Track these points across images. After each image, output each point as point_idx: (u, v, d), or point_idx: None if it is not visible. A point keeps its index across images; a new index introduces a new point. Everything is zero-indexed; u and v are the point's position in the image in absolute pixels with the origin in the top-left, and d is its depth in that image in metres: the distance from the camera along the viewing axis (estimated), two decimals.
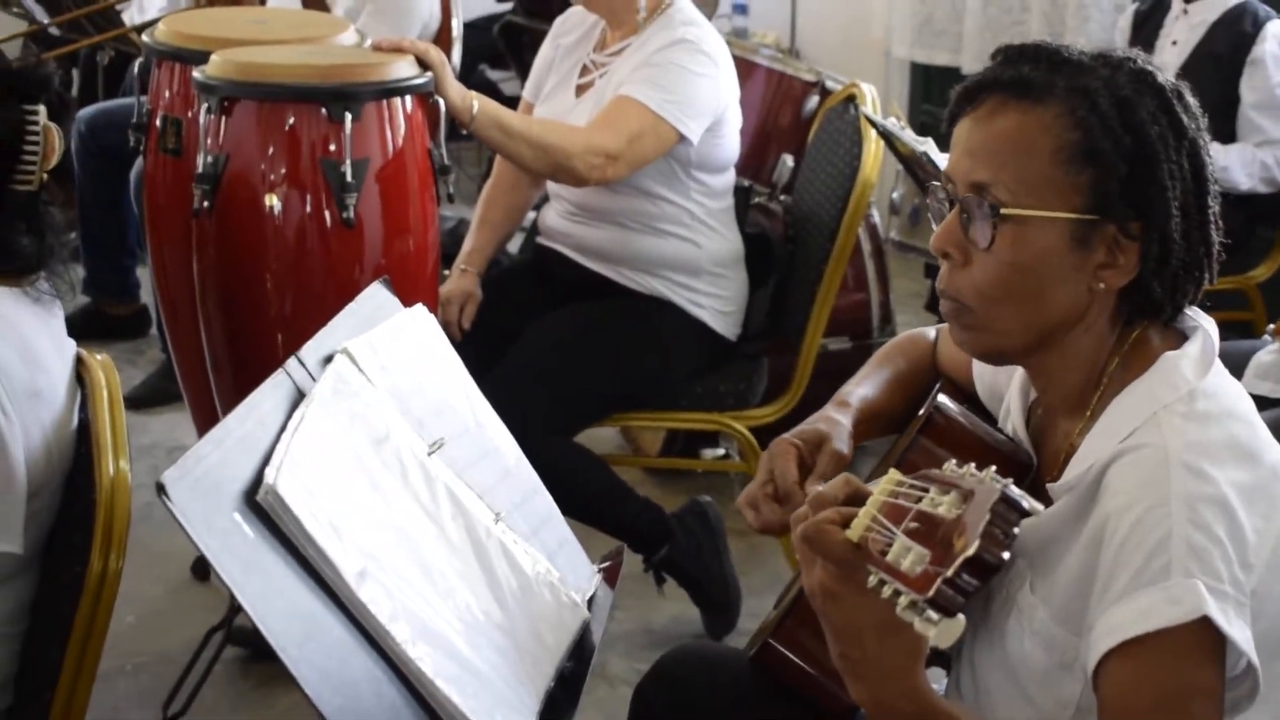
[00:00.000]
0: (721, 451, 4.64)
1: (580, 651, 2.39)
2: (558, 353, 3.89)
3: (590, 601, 2.49)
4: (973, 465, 1.76)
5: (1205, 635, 1.78)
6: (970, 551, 1.62)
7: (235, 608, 3.66)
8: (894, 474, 1.83)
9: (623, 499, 4.04)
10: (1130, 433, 1.93)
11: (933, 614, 1.63)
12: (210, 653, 3.76)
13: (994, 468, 1.75)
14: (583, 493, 3.74)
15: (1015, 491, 1.69)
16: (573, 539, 2.63)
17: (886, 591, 1.69)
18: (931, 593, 1.62)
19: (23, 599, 2.33)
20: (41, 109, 2.33)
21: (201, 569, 4.32)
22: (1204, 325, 2.04)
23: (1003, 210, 1.95)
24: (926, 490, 1.74)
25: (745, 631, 4.05)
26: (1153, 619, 1.78)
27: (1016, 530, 1.68)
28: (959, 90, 2.08)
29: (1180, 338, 2.03)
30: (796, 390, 4.12)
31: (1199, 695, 1.81)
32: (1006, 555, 1.65)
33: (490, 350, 3.76)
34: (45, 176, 2.36)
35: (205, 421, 4.15)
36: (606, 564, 2.63)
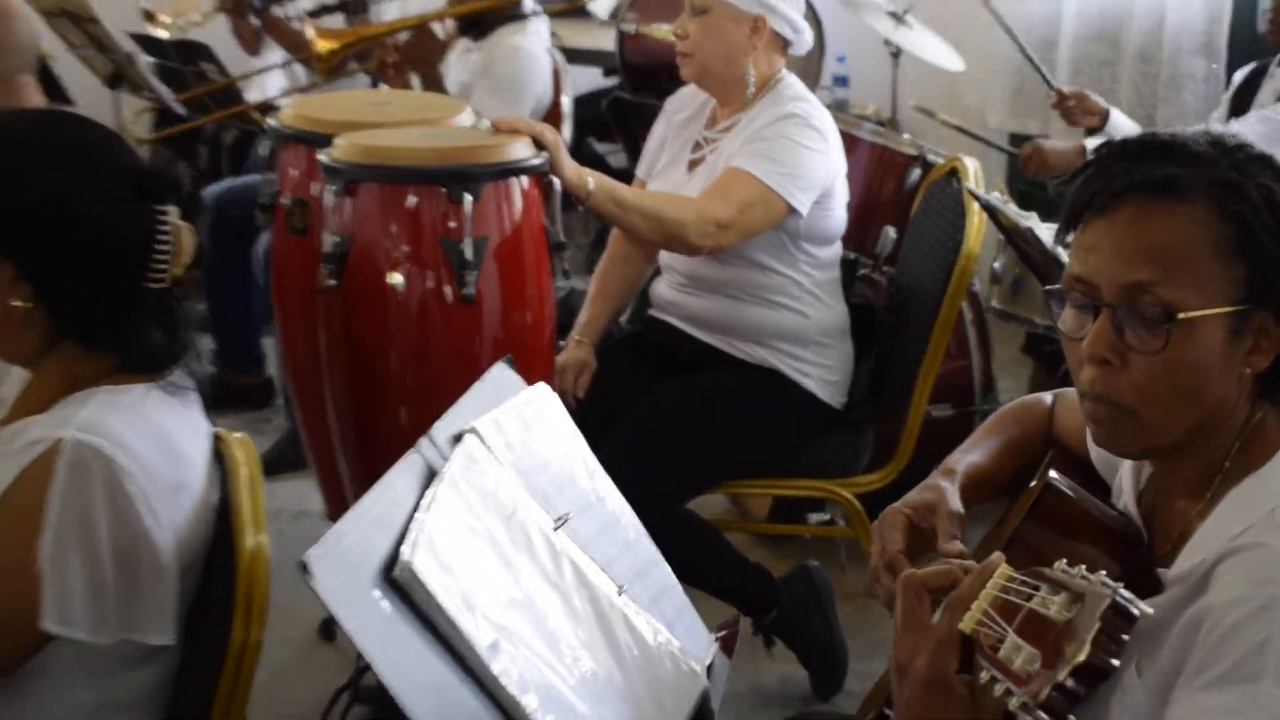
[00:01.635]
0: (827, 517, 4.63)
1: (699, 718, 2.38)
2: (671, 424, 3.90)
3: (709, 670, 2.48)
4: (1084, 567, 1.76)
5: None
6: (1081, 659, 1.64)
7: (362, 668, 3.73)
8: (1005, 568, 1.84)
9: (733, 564, 4.04)
10: (1246, 528, 1.91)
11: (1043, 715, 1.65)
12: (338, 711, 3.84)
13: (1104, 572, 1.76)
14: (696, 560, 3.72)
15: (1125, 597, 1.69)
16: (690, 608, 2.62)
17: (998, 690, 1.71)
18: (1043, 697, 1.65)
19: (168, 672, 2.34)
20: (173, 209, 2.34)
21: (328, 630, 4.38)
22: None
23: (1179, 315, 1.93)
24: (1038, 589, 1.75)
25: (851, 693, 4.06)
26: (1237, 714, 1.79)
27: (1126, 638, 1.70)
28: (1083, 192, 2.04)
29: None
30: (902, 457, 4.10)
31: None
32: (1116, 663, 1.67)
33: (604, 418, 3.76)
34: (180, 273, 2.36)
35: (330, 488, 4.20)
36: (723, 633, 2.62)
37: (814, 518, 4.71)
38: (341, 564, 1.97)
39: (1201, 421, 2.00)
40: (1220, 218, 1.93)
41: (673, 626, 2.48)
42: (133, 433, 2.25)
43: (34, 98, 3.07)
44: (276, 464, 5.15)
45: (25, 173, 2.28)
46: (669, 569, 2.64)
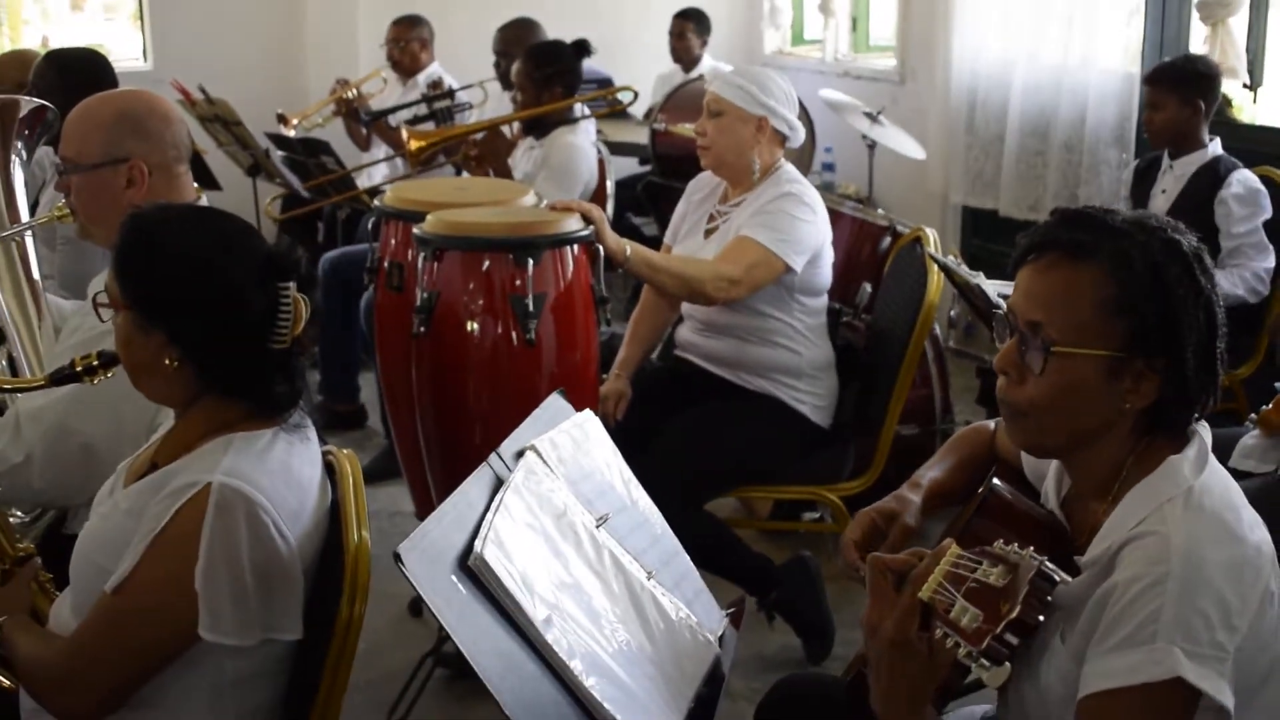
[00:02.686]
0: (818, 515, 4.60)
1: (713, 679, 2.38)
2: (691, 442, 3.89)
3: (720, 640, 2.49)
4: (1016, 545, 1.78)
5: (1177, 690, 1.81)
6: (1014, 615, 1.66)
7: (442, 638, 3.70)
8: (955, 548, 1.85)
9: (741, 554, 4.03)
10: (1141, 520, 1.94)
11: (985, 662, 1.67)
12: (424, 673, 3.82)
13: (1033, 547, 1.77)
14: (711, 550, 3.72)
15: (1049, 567, 1.73)
16: (706, 590, 2.62)
17: (950, 644, 1.71)
18: (984, 647, 1.66)
19: (291, 645, 2.31)
20: (292, 284, 2.31)
21: (415, 608, 4.37)
22: (1200, 431, 2.04)
23: (1053, 348, 1.96)
24: (981, 563, 1.76)
25: (837, 657, 4.04)
26: (1138, 675, 1.81)
27: (1050, 599, 1.71)
28: (1025, 244, 2.08)
29: (1183, 441, 2.03)
30: (877, 468, 4.09)
31: None
32: (1041, 618, 1.69)
33: (638, 437, 3.73)
34: (298, 334, 2.34)
35: (419, 493, 4.20)
36: (732, 610, 2.63)
37: (807, 516, 4.70)
38: (427, 555, 1.99)
39: (1082, 434, 2.05)
40: (1109, 281, 1.96)
41: (691, 605, 2.49)
42: (264, 472, 2.24)
43: (188, 185, 3.06)
44: (376, 474, 5.10)
45: (189, 262, 2.29)
46: (688, 558, 2.65)
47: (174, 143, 3.04)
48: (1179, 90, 4.89)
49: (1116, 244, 1.97)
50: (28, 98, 3.46)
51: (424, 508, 4.12)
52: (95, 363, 2.42)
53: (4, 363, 3.20)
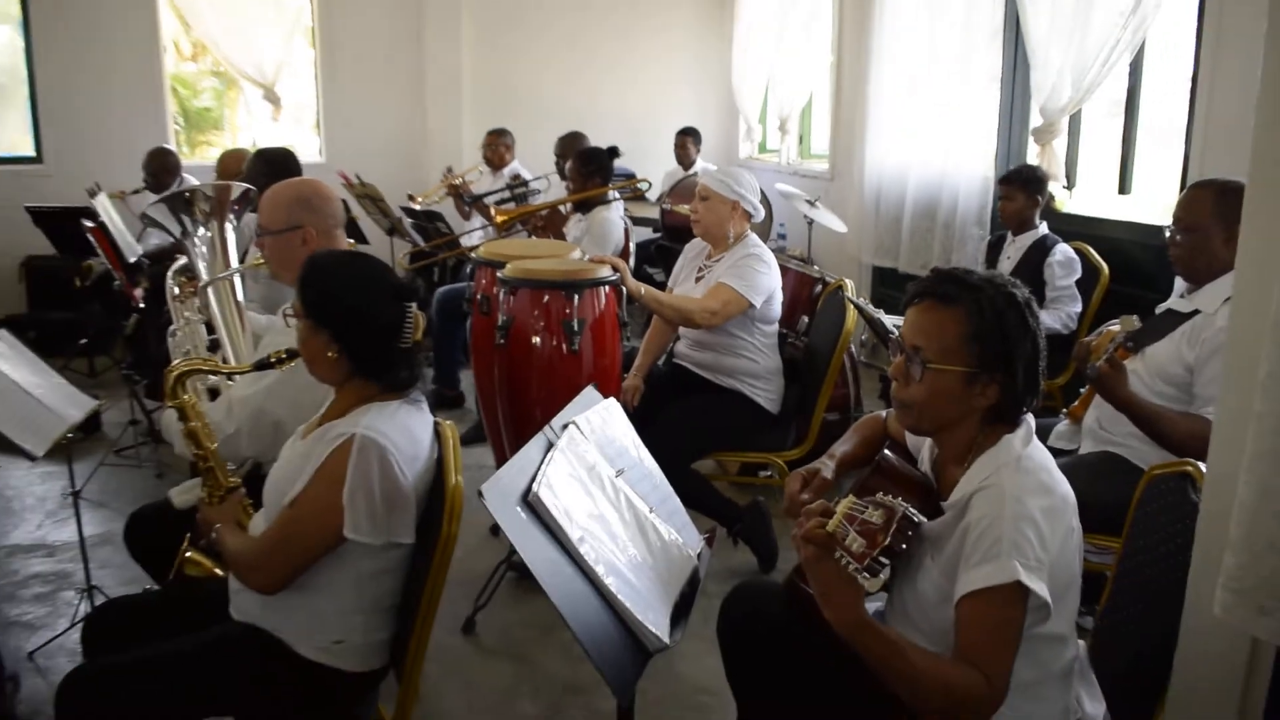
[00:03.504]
0: (769, 473, 4.59)
1: (693, 581, 2.37)
2: (684, 421, 3.87)
3: (699, 555, 2.48)
4: (893, 495, 1.79)
5: (1017, 591, 1.82)
6: (885, 544, 1.68)
7: (512, 551, 3.67)
8: (851, 498, 1.85)
9: (716, 498, 4.03)
10: (985, 478, 1.96)
11: (866, 575, 1.68)
12: (499, 575, 3.82)
13: (902, 498, 1.78)
14: (695, 494, 3.70)
15: (912, 512, 1.73)
16: (690, 522, 2.61)
17: (844, 562, 1.73)
18: (865, 564, 1.68)
19: (407, 552, 2.33)
20: (413, 304, 2.33)
21: (494, 530, 4.32)
22: (1028, 420, 2.05)
23: (928, 364, 1.98)
24: (867, 508, 1.77)
25: (780, 570, 4.02)
26: (991, 579, 1.83)
27: (911, 533, 1.72)
28: (912, 291, 2.09)
29: (1016, 425, 2.04)
30: (810, 441, 4.07)
31: (1011, 621, 1.86)
32: (904, 546, 1.71)
33: (647, 417, 3.73)
34: (418, 339, 2.35)
35: (498, 452, 4.20)
36: (707, 535, 2.60)
37: (762, 474, 4.69)
38: (500, 493, 2.00)
39: (946, 421, 2.05)
40: (966, 320, 1.97)
41: (680, 531, 2.47)
42: (391, 428, 2.24)
43: (343, 243, 3.05)
44: (470, 439, 5.11)
45: (347, 288, 2.31)
46: (679, 500, 2.63)
47: (333, 215, 3.03)
48: (1024, 188, 4.88)
49: (973, 294, 1.99)
50: (237, 183, 3.42)
51: (501, 462, 4.09)
52: (284, 355, 2.42)
53: (220, 360, 3.12)
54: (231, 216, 3.33)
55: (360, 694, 2.37)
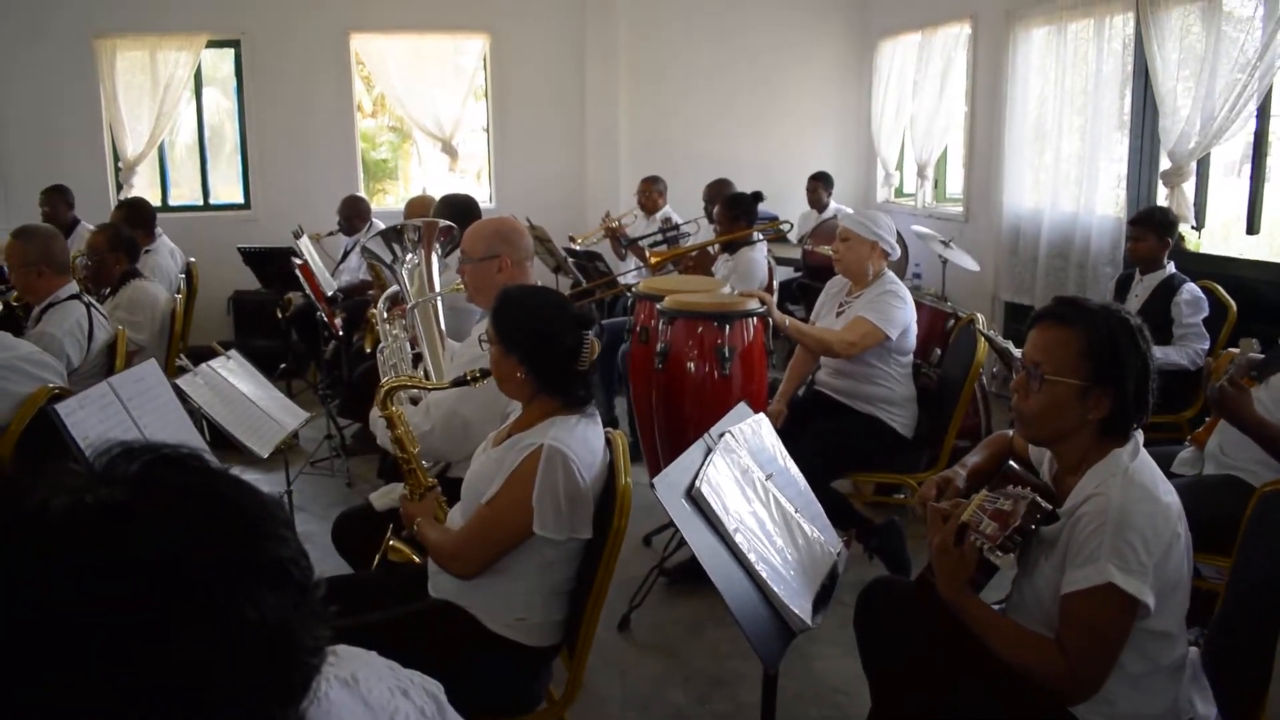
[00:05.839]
0: (903, 494, 4.64)
1: (831, 575, 2.46)
2: (824, 442, 3.91)
3: (838, 554, 2.56)
4: (1021, 487, 1.92)
5: (1111, 592, 1.92)
6: (1016, 525, 1.81)
7: (664, 557, 3.84)
8: (984, 492, 1.99)
9: (854, 515, 4.07)
10: (1096, 487, 2.04)
11: (999, 552, 1.81)
12: (652, 578, 3.98)
13: (1030, 488, 1.91)
14: (834, 512, 3.65)
15: (1039, 499, 1.85)
16: (830, 525, 2.69)
17: (979, 543, 1.87)
18: (999, 542, 1.81)
19: (581, 545, 2.45)
20: (590, 332, 2.46)
21: (647, 540, 4.44)
22: (1137, 435, 2.13)
23: (1045, 378, 2.09)
24: (999, 499, 1.90)
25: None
26: (1089, 581, 1.94)
27: (1040, 516, 1.85)
28: (1035, 315, 2.20)
29: (1126, 439, 2.11)
30: (941, 465, 4.05)
31: (1104, 619, 1.96)
32: (1034, 528, 1.82)
33: (790, 440, 3.71)
34: (591, 363, 2.47)
35: (653, 469, 4.25)
36: (846, 538, 2.65)
37: (896, 495, 4.72)
38: (669, 486, 2.14)
39: (1062, 432, 2.12)
40: (1081, 339, 2.07)
41: (821, 531, 2.56)
42: (573, 439, 2.39)
43: (531, 273, 3.22)
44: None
45: (534, 317, 2.48)
46: (820, 505, 2.70)
47: (525, 248, 3.23)
48: (1155, 230, 4.86)
49: (1088, 316, 2.10)
50: (444, 220, 3.66)
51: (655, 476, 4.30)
52: (478, 374, 2.60)
53: (421, 374, 3.35)
54: (438, 247, 3.57)
55: (536, 667, 2.55)
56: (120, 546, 0.80)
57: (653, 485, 2.06)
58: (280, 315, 6.69)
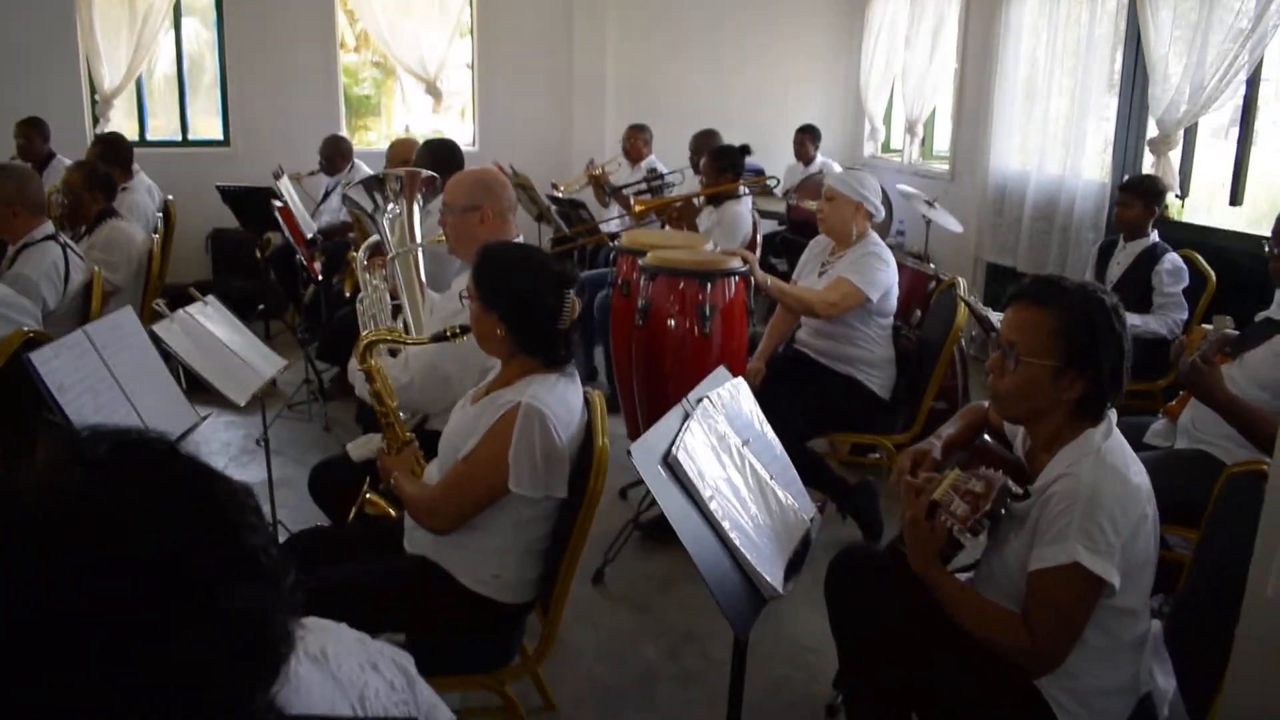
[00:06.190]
0: (878, 454, 4.65)
1: (805, 542, 2.45)
2: (803, 402, 3.94)
3: (811, 519, 2.55)
4: (994, 470, 1.93)
5: (1077, 570, 1.95)
6: (987, 509, 1.82)
7: (640, 512, 3.86)
8: (957, 471, 2.00)
9: (829, 474, 4.10)
10: (1067, 466, 2.06)
11: (969, 534, 1.83)
12: (626, 532, 4.00)
13: (1001, 471, 1.92)
14: (811, 470, 3.78)
15: (1011, 483, 1.87)
16: (805, 491, 2.68)
17: (949, 524, 1.88)
18: (969, 525, 1.82)
19: (556, 505, 2.48)
20: (571, 291, 2.47)
21: (623, 493, 4.47)
22: (1110, 415, 2.14)
23: (1021, 358, 2.09)
24: (971, 479, 1.92)
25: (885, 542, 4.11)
26: (1056, 559, 1.97)
27: (1010, 500, 1.86)
28: (1012, 293, 2.19)
29: (1099, 419, 2.13)
30: (918, 426, 4.12)
31: (1068, 597, 1.99)
32: (1004, 512, 1.84)
33: (769, 398, 3.69)
34: (571, 322, 2.48)
35: (630, 423, 4.34)
36: (820, 504, 2.66)
37: (871, 455, 4.74)
38: (646, 452, 2.13)
39: (1036, 411, 2.14)
40: (1057, 319, 2.07)
41: (796, 498, 2.56)
42: (552, 398, 2.40)
43: (514, 226, 3.14)
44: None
45: (515, 276, 2.47)
46: (795, 470, 2.70)
47: (507, 199, 3.21)
48: (1143, 198, 4.86)
49: (1064, 297, 2.10)
50: (426, 171, 3.63)
51: (633, 432, 4.26)
52: (458, 330, 2.61)
53: (401, 325, 3.38)
54: (419, 198, 3.55)
55: (511, 624, 2.57)
56: (110, 545, 0.80)
57: (629, 453, 2.05)
58: (259, 255, 6.63)
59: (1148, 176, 5.13)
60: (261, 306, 6.85)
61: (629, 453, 2.06)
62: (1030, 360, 2.10)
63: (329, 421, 5.44)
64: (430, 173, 3.62)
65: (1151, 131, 5.59)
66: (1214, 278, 4.84)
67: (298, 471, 4.78)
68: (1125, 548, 2.00)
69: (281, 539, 3.80)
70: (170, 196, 6.36)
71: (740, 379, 2.72)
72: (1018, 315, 2.15)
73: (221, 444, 5.22)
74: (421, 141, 5.16)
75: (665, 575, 3.88)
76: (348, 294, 5.09)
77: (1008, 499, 1.89)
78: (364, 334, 2.76)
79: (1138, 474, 2.08)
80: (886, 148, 9.02)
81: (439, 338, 2.66)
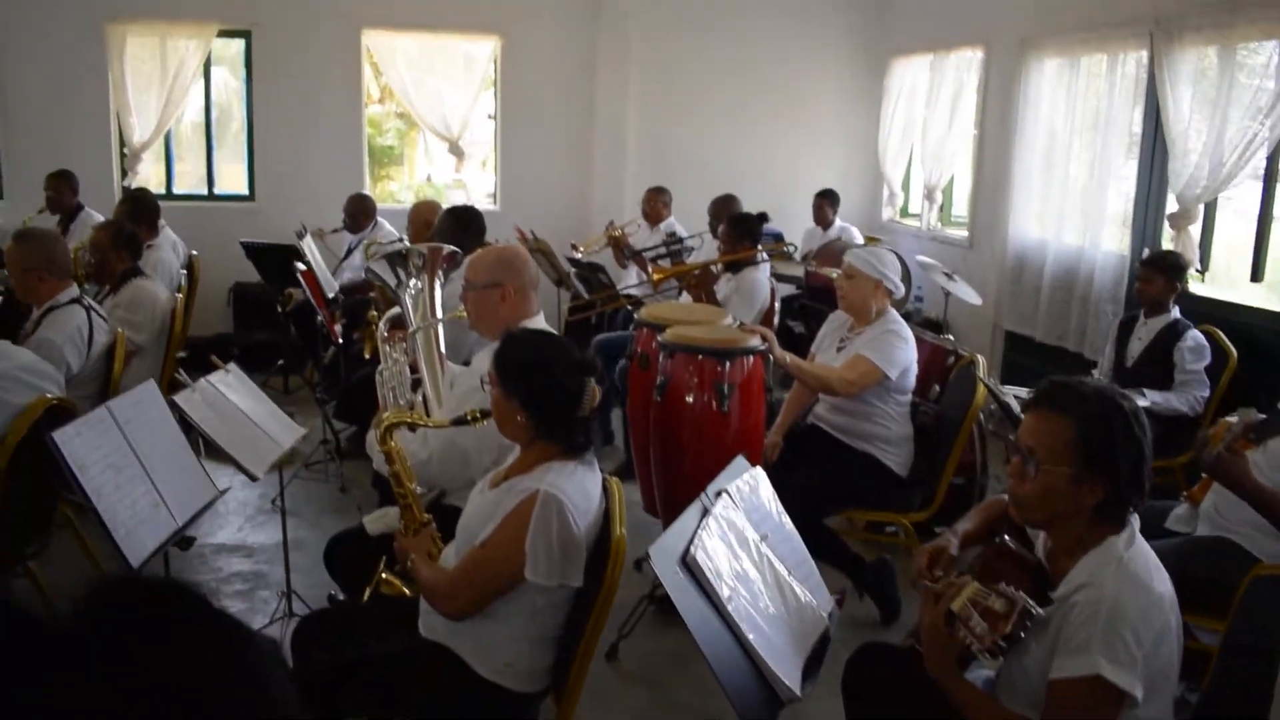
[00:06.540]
0: (895, 530, 4.62)
1: (823, 640, 2.45)
2: (819, 479, 3.93)
3: (830, 616, 2.56)
4: (1012, 584, 1.91)
5: (1101, 682, 1.93)
6: (1007, 631, 1.80)
7: (654, 586, 3.82)
8: (976, 585, 1.99)
9: (845, 551, 4.05)
10: (1091, 574, 2.04)
11: (987, 655, 1.81)
12: (642, 607, 3.96)
13: (1015, 578, 1.90)
14: (826, 546, 3.77)
15: (1032, 605, 1.85)
16: (822, 583, 2.67)
17: (968, 641, 1.87)
18: (988, 647, 1.81)
19: (572, 593, 2.47)
20: (591, 379, 2.47)
21: (638, 565, 4.30)
22: (1133, 521, 2.12)
23: (1040, 465, 2.08)
24: (991, 595, 1.90)
25: (903, 624, 4.03)
26: (1077, 670, 1.94)
27: (1030, 624, 1.84)
28: (1030, 398, 2.19)
29: (1122, 525, 2.11)
30: (936, 503, 4.09)
31: (1089, 709, 1.96)
32: (1024, 635, 1.82)
33: (786, 472, 3.78)
34: (591, 410, 2.48)
35: (645, 492, 4.32)
36: (839, 597, 2.66)
37: (888, 530, 4.72)
38: (665, 554, 2.14)
39: (1056, 516, 2.12)
40: (1075, 428, 2.06)
41: (814, 593, 2.55)
42: (571, 486, 2.40)
43: (535, 303, 3.16)
44: (617, 475, 5.20)
45: (536, 363, 2.49)
46: (813, 562, 2.69)
47: (528, 276, 3.24)
48: (1165, 273, 4.85)
49: (1082, 403, 2.09)
50: (449, 246, 3.66)
51: (648, 500, 4.27)
52: (478, 414, 2.61)
53: (420, 399, 3.38)
54: (440, 274, 3.58)
55: (523, 712, 2.56)
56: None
57: (648, 555, 2.05)
58: (280, 310, 6.68)
59: (1169, 253, 5.13)
60: (281, 362, 6.90)
61: (648, 555, 2.05)
62: (1049, 467, 2.09)
63: (345, 482, 5.44)
64: (452, 248, 3.65)
65: (1171, 206, 5.59)
66: (1235, 355, 4.82)
67: (312, 534, 4.77)
68: (1148, 659, 1.97)
69: (295, 609, 3.83)
70: (195, 251, 6.43)
71: (759, 469, 2.72)
72: (1036, 421, 2.14)
73: (238, 504, 5.22)
74: (443, 204, 5.22)
75: (681, 651, 3.83)
76: (367, 355, 5.11)
77: (1028, 622, 1.87)
78: (384, 415, 2.77)
79: (1161, 583, 2.06)
80: (905, 213, 9.04)
81: (459, 421, 2.67)
